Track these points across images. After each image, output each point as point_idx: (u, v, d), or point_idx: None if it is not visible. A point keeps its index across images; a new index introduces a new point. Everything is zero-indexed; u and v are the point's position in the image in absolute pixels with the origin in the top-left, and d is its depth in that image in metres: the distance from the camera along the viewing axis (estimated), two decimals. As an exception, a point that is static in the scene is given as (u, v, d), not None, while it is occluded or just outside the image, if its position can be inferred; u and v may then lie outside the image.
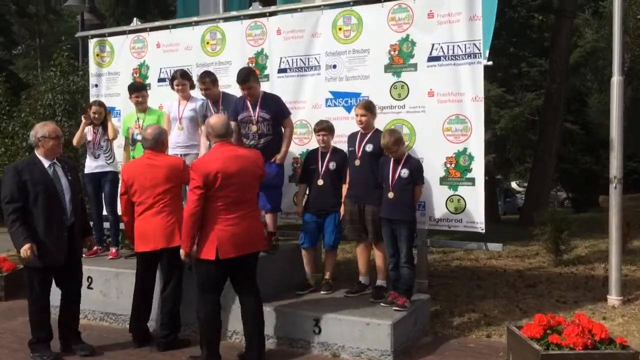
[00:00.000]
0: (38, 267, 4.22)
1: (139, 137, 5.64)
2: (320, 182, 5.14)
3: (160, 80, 6.52)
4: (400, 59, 5.36)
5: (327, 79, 5.66)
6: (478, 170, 5.10)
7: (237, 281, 4.25)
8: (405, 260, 4.65)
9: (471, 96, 5.09)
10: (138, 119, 5.87)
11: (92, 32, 7.31)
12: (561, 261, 8.15)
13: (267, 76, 5.90)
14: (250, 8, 6.21)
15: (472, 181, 5.11)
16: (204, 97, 5.50)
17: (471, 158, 5.11)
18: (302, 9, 5.85)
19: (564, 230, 8.19)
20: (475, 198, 5.11)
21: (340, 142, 5.31)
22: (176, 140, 5.59)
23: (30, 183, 4.15)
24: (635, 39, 15.71)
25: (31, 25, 27.02)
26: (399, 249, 4.69)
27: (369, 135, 4.96)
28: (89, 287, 5.32)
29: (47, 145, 4.29)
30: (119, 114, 6.65)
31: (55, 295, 4.49)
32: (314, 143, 5.44)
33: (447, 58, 5.18)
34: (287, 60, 5.84)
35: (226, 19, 6.31)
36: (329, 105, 5.65)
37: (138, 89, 5.93)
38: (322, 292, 5.10)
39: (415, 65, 5.30)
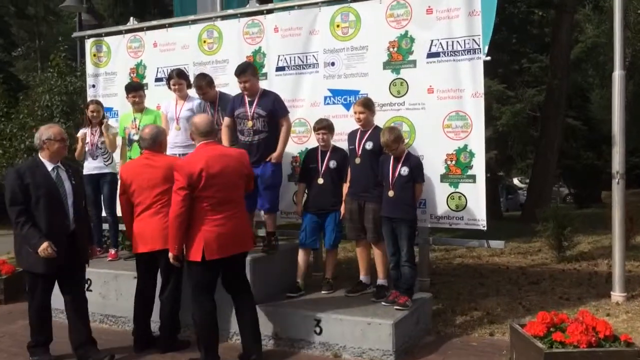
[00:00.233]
0: (38, 273, 4.15)
1: (135, 137, 5.61)
2: (321, 180, 5.10)
3: (158, 79, 6.48)
4: (399, 56, 5.31)
5: (326, 77, 5.61)
6: (479, 167, 5.06)
7: (227, 282, 4.24)
8: (406, 259, 4.61)
9: (471, 92, 5.04)
10: (135, 119, 5.83)
11: (89, 32, 7.28)
12: (564, 258, 8.12)
13: (265, 74, 5.84)
14: (247, 6, 6.17)
15: (473, 178, 5.06)
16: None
17: (472, 155, 5.06)
18: (299, 7, 5.79)
19: (566, 226, 8.15)
20: (476, 195, 5.06)
21: (339, 140, 5.27)
22: (174, 141, 5.54)
23: (32, 186, 4.07)
24: (636, 34, 15.60)
25: (30, 27, 26.98)
26: (400, 248, 4.64)
27: (368, 133, 4.92)
28: (88, 289, 5.26)
29: (53, 148, 4.21)
30: (117, 115, 6.61)
31: (57, 298, 4.42)
32: (313, 142, 5.39)
33: (446, 54, 5.13)
34: (285, 58, 5.79)
35: (223, 18, 6.27)
36: (328, 103, 5.60)
37: (135, 89, 5.88)
38: (323, 292, 5.06)
39: (414, 62, 5.25)
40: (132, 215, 4.60)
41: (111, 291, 5.30)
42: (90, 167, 5.93)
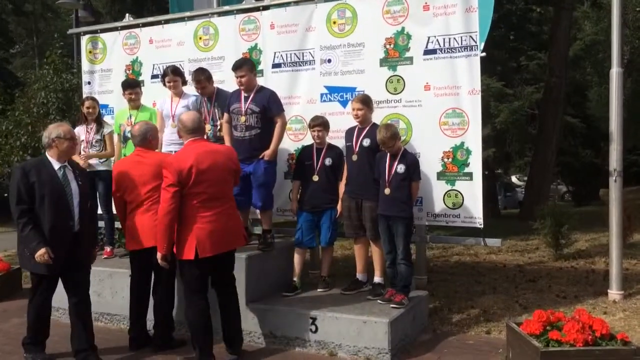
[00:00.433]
0: (41, 273, 4.10)
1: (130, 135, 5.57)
2: (316, 177, 5.07)
3: (154, 76, 6.44)
4: (395, 53, 5.28)
5: (322, 74, 5.58)
6: (476, 164, 5.04)
7: (216, 279, 4.22)
8: (402, 257, 4.59)
9: (468, 89, 5.02)
10: (131, 115, 5.79)
11: (84, 28, 7.22)
12: (561, 255, 8.12)
13: (261, 71, 5.81)
14: (244, 2, 6.13)
15: (469, 176, 5.04)
16: (197, 93, 5.43)
17: (468, 152, 5.04)
18: (295, 3, 5.76)
19: (564, 224, 8.15)
20: (473, 193, 5.04)
21: (336, 137, 5.25)
22: (170, 138, 5.49)
23: (37, 184, 4.00)
24: (634, 31, 15.63)
25: (28, 24, 26.95)
26: (396, 246, 4.62)
27: (366, 130, 4.89)
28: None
29: (62, 147, 4.13)
30: (112, 112, 6.58)
31: (57, 296, 4.37)
32: (309, 139, 5.36)
33: (443, 51, 5.10)
34: (281, 55, 5.76)
35: (219, 14, 6.22)
36: (324, 100, 5.57)
37: (132, 86, 5.84)
38: (319, 290, 5.04)
39: (411, 59, 5.23)
40: (125, 214, 4.56)
41: (106, 289, 5.27)
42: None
